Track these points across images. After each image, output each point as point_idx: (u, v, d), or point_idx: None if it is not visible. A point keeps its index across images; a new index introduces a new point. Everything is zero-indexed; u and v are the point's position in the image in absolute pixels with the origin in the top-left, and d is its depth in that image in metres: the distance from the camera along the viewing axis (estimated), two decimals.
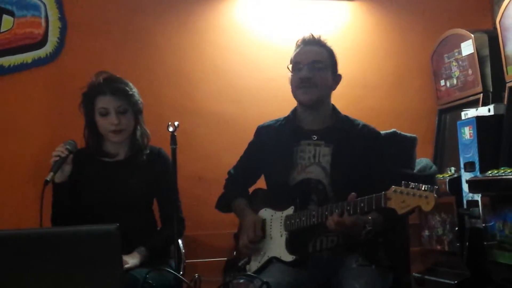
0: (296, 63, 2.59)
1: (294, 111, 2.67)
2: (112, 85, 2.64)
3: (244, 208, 2.65)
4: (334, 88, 2.63)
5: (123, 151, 2.73)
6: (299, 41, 2.65)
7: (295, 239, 2.49)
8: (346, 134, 2.59)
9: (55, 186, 2.63)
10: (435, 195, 2.14)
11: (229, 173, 2.84)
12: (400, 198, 2.20)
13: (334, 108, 2.66)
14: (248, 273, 2.53)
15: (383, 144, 2.64)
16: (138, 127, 2.72)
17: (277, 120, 2.73)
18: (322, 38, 2.64)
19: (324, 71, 2.57)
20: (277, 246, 2.51)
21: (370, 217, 2.40)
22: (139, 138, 2.71)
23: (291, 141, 2.60)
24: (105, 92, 2.63)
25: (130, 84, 2.69)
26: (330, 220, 2.34)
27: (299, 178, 2.54)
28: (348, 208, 2.32)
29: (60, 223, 2.63)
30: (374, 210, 2.29)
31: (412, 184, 2.20)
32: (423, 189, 2.16)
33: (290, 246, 2.48)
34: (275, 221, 2.55)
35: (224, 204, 2.80)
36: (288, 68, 2.62)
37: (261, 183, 2.79)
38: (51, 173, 2.51)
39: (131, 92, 2.66)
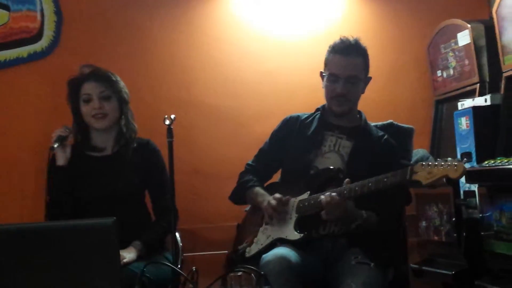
0: (332, 75, 2.63)
1: (323, 107, 2.76)
2: (95, 72, 2.70)
3: (264, 194, 2.68)
4: (363, 92, 2.72)
5: (110, 145, 2.74)
6: (337, 46, 2.66)
7: (304, 220, 2.54)
8: (367, 136, 2.70)
9: (55, 170, 2.62)
10: (464, 165, 2.21)
11: (246, 164, 2.85)
12: (427, 170, 2.26)
13: (360, 113, 2.77)
14: (247, 255, 2.56)
15: (399, 156, 2.71)
16: (123, 117, 2.73)
17: (305, 113, 2.81)
18: (360, 43, 2.67)
19: (358, 84, 2.66)
20: (284, 228, 2.56)
21: (364, 213, 2.44)
22: (125, 130, 2.71)
23: (316, 129, 2.69)
24: (89, 78, 2.70)
25: (116, 75, 2.73)
26: (327, 197, 2.39)
27: (317, 163, 2.62)
28: (370, 184, 2.36)
29: (56, 211, 2.62)
30: (400, 183, 2.34)
31: (440, 159, 2.27)
32: (452, 161, 2.22)
33: (298, 226, 2.53)
34: (287, 207, 2.57)
35: (239, 194, 2.80)
36: (321, 73, 2.69)
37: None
38: (56, 143, 2.55)
39: (114, 79, 2.70)
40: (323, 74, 2.69)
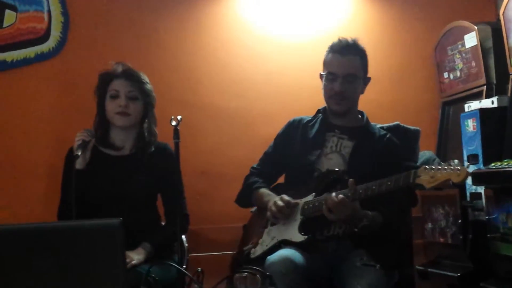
0: (330, 74, 2.65)
1: (325, 108, 2.77)
2: (128, 71, 2.70)
3: (271, 194, 2.68)
4: (362, 93, 2.73)
5: (129, 145, 2.73)
6: (335, 46, 2.69)
7: (309, 222, 2.53)
8: (369, 136, 2.70)
9: (74, 172, 2.59)
10: (468, 169, 2.19)
11: (251, 168, 2.85)
12: (430, 174, 2.25)
13: (362, 113, 2.77)
14: (252, 256, 2.56)
15: (402, 156, 2.70)
16: (146, 121, 2.73)
17: (309, 116, 2.82)
18: (357, 43, 2.68)
19: (356, 83, 2.67)
20: (289, 230, 2.55)
21: (370, 213, 2.44)
22: (146, 133, 2.71)
23: (318, 131, 2.70)
24: (120, 76, 2.69)
25: (147, 78, 2.73)
26: (334, 197, 2.38)
27: (320, 164, 2.63)
28: (374, 187, 2.35)
29: (69, 213, 2.59)
30: (401, 186, 2.33)
31: (443, 163, 2.26)
32: (455, 165, 2.21)
33: (303, 228, 2.52)
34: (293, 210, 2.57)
35: (245, 196, 2.80)
36: (321, 74, 2.70)
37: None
38: (79, 150, 2.53)
39: (144, 81, 2.70)
40: (322, 74, 2.70)
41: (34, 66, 3.45)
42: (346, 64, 2.64)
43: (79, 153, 2.52)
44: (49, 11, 3.47)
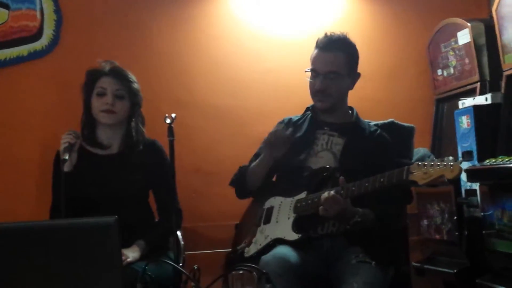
0: (313, 70, 2.64)
1: (313, 106, 2.75)
2: (115, 70, 2.69)
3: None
4: (351, 88, 2.70)
5: (116, 144, 2.72)
6: (320, 41, 2.66)
7: (303, 221, 2.52)
8: (359, 132, 2.67)
9: (62, 176, 2.59)
10: (460, 165, 2.19)
11: (240, 167, 2.82)
12: (423, 170, 2.25)
13: (351, 109, 2.75)
14: (246, 255, 2.55)
15: (393, 152, 2.69)
16: (134, 120, 2.71)
17: (297, 115, 2.81)
18: (344, 38, 2.64)
19: (338, 80, 2.62)
20: (282, 228, 2.54)
21: (361, 210, 2.45)
22: (134, 133, 2.70)
23: (307, 129, 2.68)
24: (108, 74, 2.69)
25: (134, 78, 2.72)
26: (326, 193, 2.37)
27: (311, 163, 2.61)
28: (367, 184, 2.35)
29: (60, 214, 2.59)
30: (395, 185, 2.32)
31: (436, 160, 2.25)
32: (448, 161, 2.20)
33: (296, 226, 2.51)
34: (284, 206, 2.58)
35: (240, 177, 2.75)
36: (306, 70, 2.68)
37: None
38: (66, 154, 2.52)
39: (132, 80, 2.69)
40: (307, 71, 2.68)
41: (27, 64, 3.43)
42: (327, 61, 2.61)
43: (67, 157, 2.51)
44: (41, 9, 3.45)
